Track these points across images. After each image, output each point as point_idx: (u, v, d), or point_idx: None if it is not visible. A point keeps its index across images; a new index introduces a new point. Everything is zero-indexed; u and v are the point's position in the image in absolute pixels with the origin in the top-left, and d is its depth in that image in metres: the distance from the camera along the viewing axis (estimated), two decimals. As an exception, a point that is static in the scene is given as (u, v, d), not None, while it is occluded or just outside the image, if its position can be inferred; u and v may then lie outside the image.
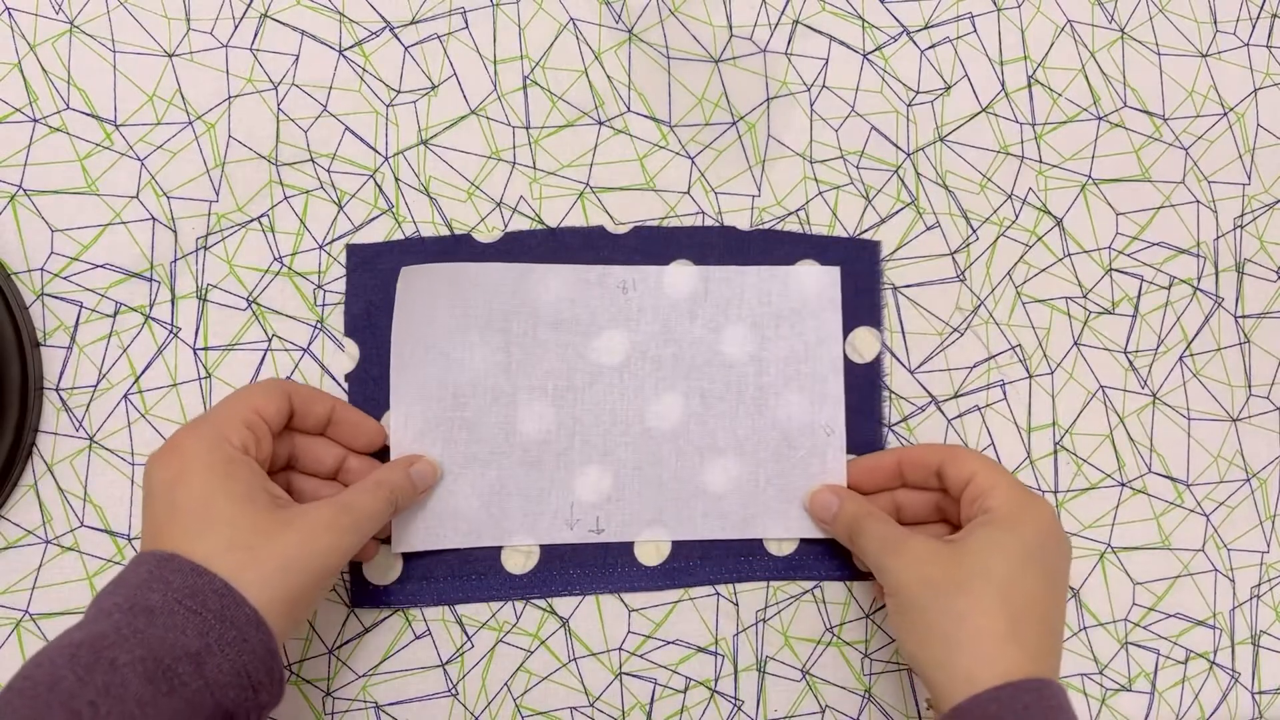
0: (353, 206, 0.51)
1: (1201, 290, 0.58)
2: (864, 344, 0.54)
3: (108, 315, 0.50)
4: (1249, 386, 0.58)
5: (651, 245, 0.53)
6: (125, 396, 0.50)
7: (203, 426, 0.44)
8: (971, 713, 0.43)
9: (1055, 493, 0.56)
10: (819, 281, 0.54)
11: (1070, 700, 0.45)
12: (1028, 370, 0.56)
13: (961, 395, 0.55)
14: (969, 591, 0.46)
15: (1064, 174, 0.56)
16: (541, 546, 0.53)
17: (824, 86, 0.55)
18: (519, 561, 0.52)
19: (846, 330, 0.54)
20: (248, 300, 0.51)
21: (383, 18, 0.51)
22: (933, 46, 0.55)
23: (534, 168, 0.52)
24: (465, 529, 0.52)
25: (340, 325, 0.51)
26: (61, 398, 0.50)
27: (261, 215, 0.51)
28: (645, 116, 0.53)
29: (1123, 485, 0.57)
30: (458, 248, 0.52)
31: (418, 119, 0.52)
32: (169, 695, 0.37)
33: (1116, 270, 0.57)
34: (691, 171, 0.54)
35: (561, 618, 0.53)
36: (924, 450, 0.52)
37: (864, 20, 0.55)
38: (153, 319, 0.50)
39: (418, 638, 0.52)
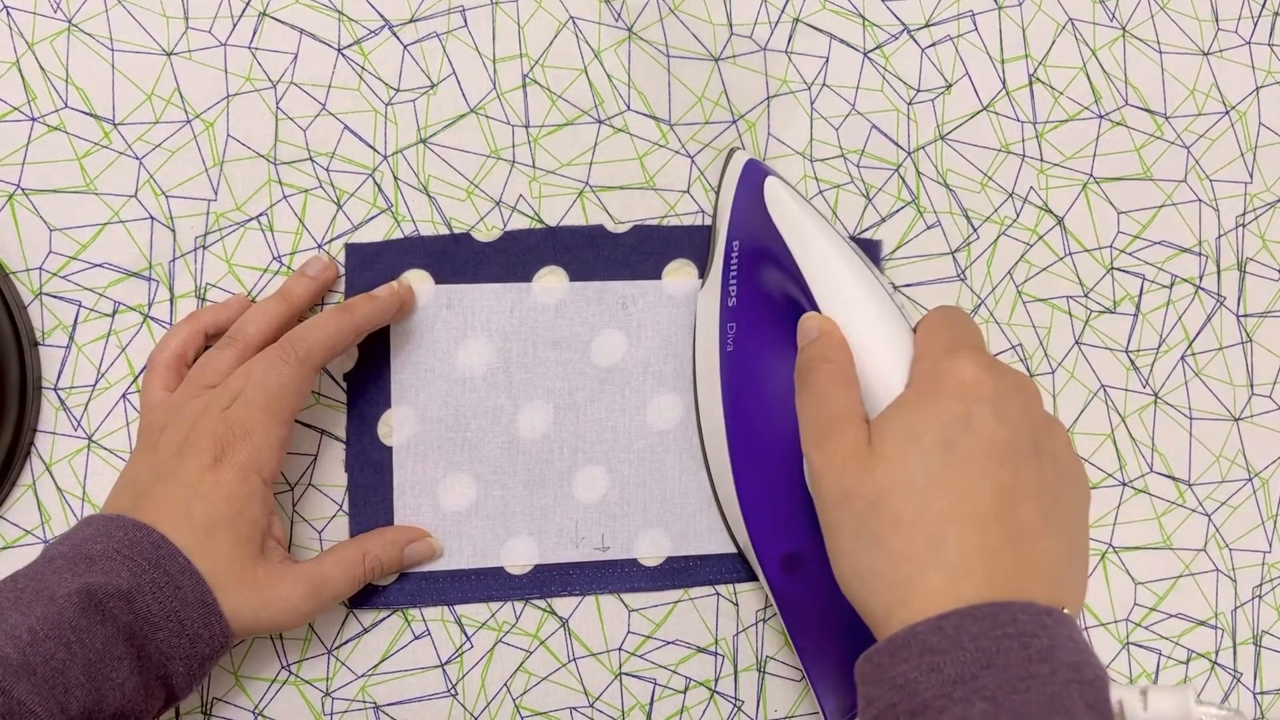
0: (352, 205, 0.51)
1: (1203, 289, 0.58)
2: None
3: (106, 314, 0.50)
4: (1251, 386, 0.58)
5: (651, 244, 0.53)
6: (124, 396, 0.50)
7: (249, 446, 0.44)
8: (882, 667, 0.35)
9: (1056, 492, 0.56)
10: None
11: (1055, 620, 0.35)
12: (1028, 370, 0.56)
13: (962, 395, 0.55)
14: (884, 506, 0.37)
15: (1065, 173, 0.56)
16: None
17: (824, 85, 0.54)
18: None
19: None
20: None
21: (382, 16, 0.51)
22: (933, 45, 0.55)
23: (533, 166, 0.52)
24: (470, 550, 0.52)
25: (339, 324, 0.51)
26: (60, 397, 0.50)
27: (260, 214, 0.51)
28: (645, 115, 0.53)
29: (1124, 485, 0.57)
30: (457, 247, 0.51)
31: (417, 118, 0.52)
32: (102, 624, 0.40)
33: (1118, 269, 0.57)
34: (691, 170, 0.54)
35: (561, 618, 0.53)
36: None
37: (864, 18, 0.55)
38: (151, 318, 0.50)
39: (417, 638, 0.52)
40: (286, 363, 0.45)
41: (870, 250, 0.54)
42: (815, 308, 0.45)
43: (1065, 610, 0.36)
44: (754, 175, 0.50)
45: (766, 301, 0.49)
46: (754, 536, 0.50)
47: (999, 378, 0.39)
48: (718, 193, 0.52)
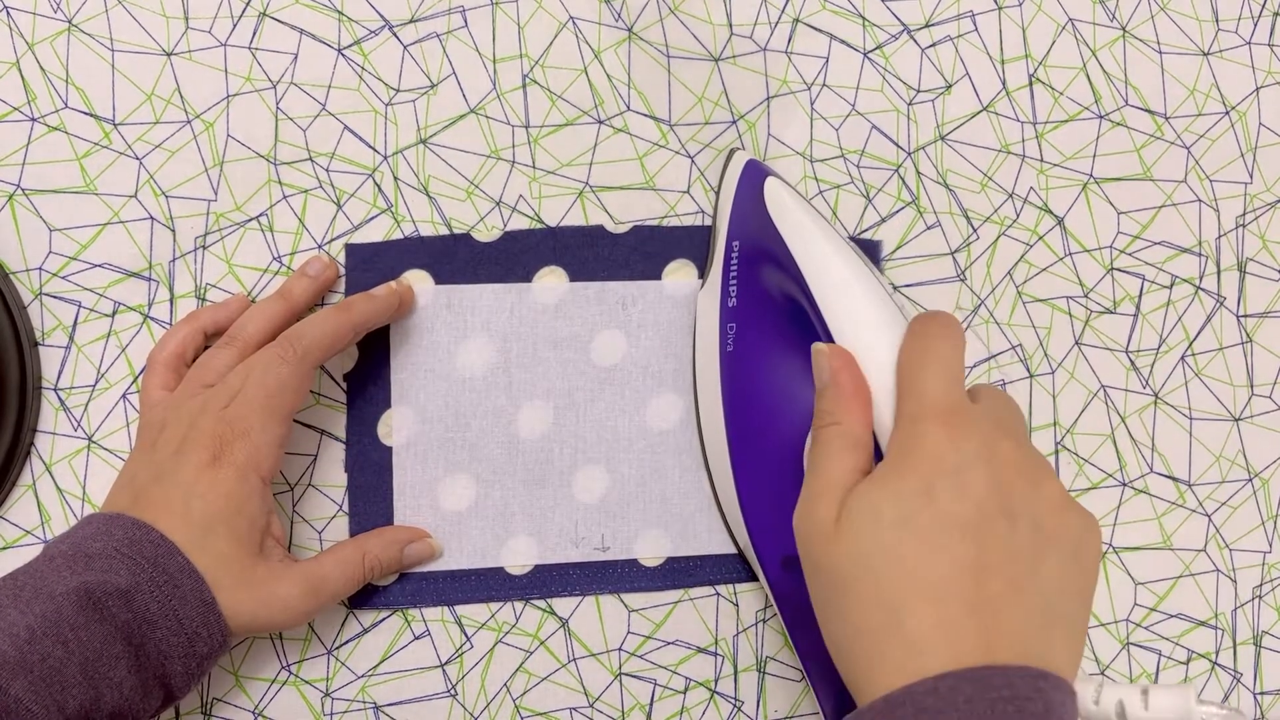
0: (352, 206, 0.51)
1: (1203, 290, 0.58)
2: None
3: (106, 315, 0.50)
4: (1251, 386, 0.58)
5: (651, 245, 0.53)
6: (124, 396, 0.50)
7: (247, 444, 0.44)
8: None
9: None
10: None
11: (1051, 684, 0.35)
12: (1028, 370, 0.56)
13: (962, 395, 0.55)
14: (846, 582, 0.37)
15: (1065, 173, 0.56)
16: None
17: (824, 85, 0.54)
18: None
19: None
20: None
21: (382, 16, 0.51)
22: (933, 45, 0.55)
23: (533, 167, 0.52)
24: (470, 550, 0.52)
25: (339, 325, 0.51)
26: (60, 397, 0.50)
27: (260, 214, 0.51)
28: (645, 115, 0.53)
29: (1124, 485, 0.57)
30: (457, 247, 0.51)
31: (417, 118, 0.52)
32: (100, 622, 0.40)
33: (1118, 269, 0.57)
34: (691, 171, 0.54)
35: (561, 618, 0.53)
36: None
37: (864, 19, 0.55)
38: (151, 319, 0.50)
39: (417, 638, 0.52)
40: (285, 361, 0.45)
41: (870, 251, 0.54)
42: (815, 308, 0.45)
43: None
44: (754, 175, 0.50)
45: (766, 302, 0.49)
46: (754, 537, 0.50)
47: (961, 447, 0.38)
48: (718, 193, 0.52)
